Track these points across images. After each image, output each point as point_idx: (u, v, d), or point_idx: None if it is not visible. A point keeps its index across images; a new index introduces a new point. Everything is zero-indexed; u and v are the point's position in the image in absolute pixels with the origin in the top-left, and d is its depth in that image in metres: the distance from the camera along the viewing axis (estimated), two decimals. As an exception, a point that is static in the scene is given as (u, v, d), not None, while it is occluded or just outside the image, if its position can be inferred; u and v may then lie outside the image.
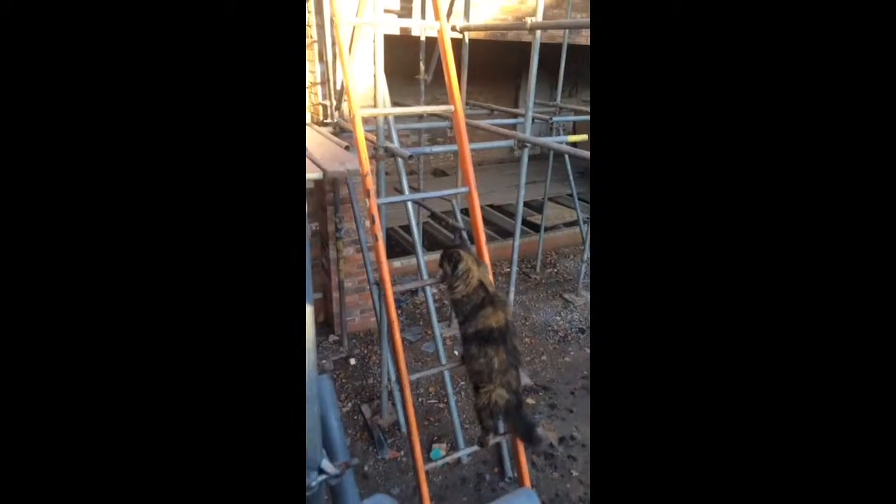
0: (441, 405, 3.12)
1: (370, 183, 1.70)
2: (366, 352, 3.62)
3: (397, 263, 4.43)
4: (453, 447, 2.79)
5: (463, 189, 1.94)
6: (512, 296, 3.15)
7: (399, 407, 2.94)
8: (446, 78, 1.83)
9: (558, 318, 4.07)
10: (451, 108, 1.87)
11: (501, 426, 1.84)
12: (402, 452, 2.79)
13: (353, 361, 3.51)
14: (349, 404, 3.13)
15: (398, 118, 3.18)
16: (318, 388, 0.92)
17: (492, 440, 1.84)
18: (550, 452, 2.77)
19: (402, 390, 1.71)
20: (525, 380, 3.34)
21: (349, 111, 1.76)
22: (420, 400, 3.17)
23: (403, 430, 2.91)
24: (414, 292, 4.15)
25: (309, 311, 0.85)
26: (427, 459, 2.74)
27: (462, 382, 3.33)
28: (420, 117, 3.71)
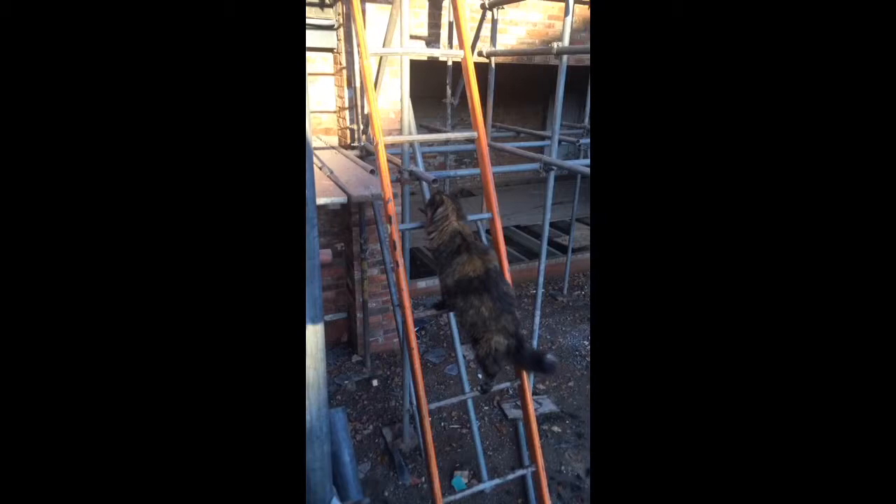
0: (464, 430, 3.06)
1: (392, 209, 1.71)
2: (389, 373, 3.60)
3: (422, 284, 4.44)
4: (476, 475, 2.72)
5: (486, 215, 1.92)
6: (538, 319, 3.09)
7: (420, 433, 2.90)
8: (470, 106, 1.84)
9: (586, 342, 3.96)
10: (475, 134, 1.87)
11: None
12: (423, 479, 2.74)
13: (375, 383, 3.50)
14: (370, 427, 3.11)
15: (425, 141, 3.21)
16: (331, 423, 0.90)
17: (494, 386, 1.80)
18: (577, 485, 2.66)
19: (421, 422, 1.69)
20: (551, 406, 3.24)
21: (374, 138, 1.79)
22: (442, 425, 3.12)
23: (424, 456, 2.87)
24: (438, 314, 4.13)
25: (319, 343, 0.84)
26: (448, 488, 2.68)
27: (486, 407, 3.26)
28: (446, 141, 3.74)
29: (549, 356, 1.63)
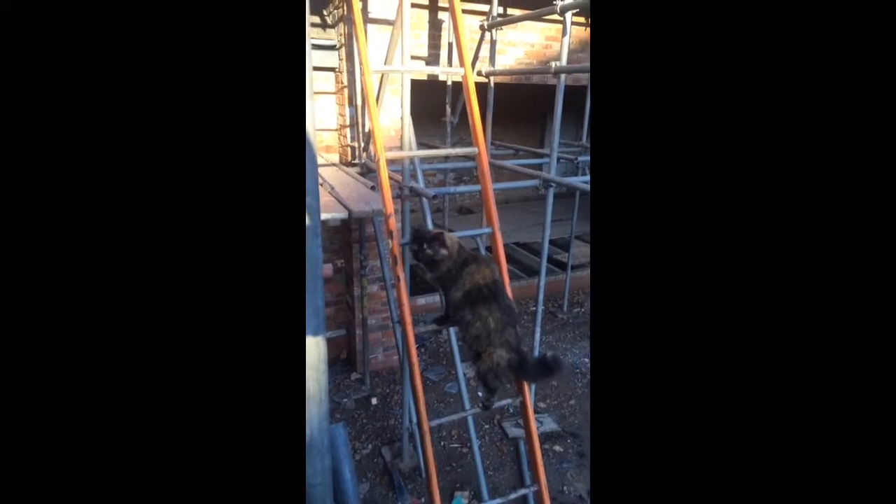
0: (464, 450, 3.01)
1: (393, 224, 1.72)
2: (388, 391, 3.56)
3: (421, 300, 4.42)
4: (476, 495, 2.67)
5: (486, 230, 1.93)
6: (538, 336, 3.07)
7: (420, 452, 2.85)
8: (471, 122, 1.87)
9: (587, 360, 3.92)
10: (475, 150, 1.89)
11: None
12: (423, 500, 2.68)
13: (374, 401, 3.45)
14: (369, 446, 3.05)
15: (425, 158, 3.24)
16: (332, 438, 0.89)
17: (495, 403, 1.81)
18: (579, 506, 2.61)
19: (422, 439, 1.66)
20: (552, 425, 3.20)
21: (375, 153, 1.81)
22: (442, 444, 3.07)
23: (425, 475, 2.81)
24: (438, 331, 4.10)
25: (322, 355, 0.83)
26: (448, 509, 2.62)
27: (486, 426, 3.21)
28: (446, 158, 3.78)
29: (549, 354, 1.63)
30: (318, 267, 0.77)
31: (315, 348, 0.78)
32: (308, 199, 0.76)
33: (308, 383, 0.79)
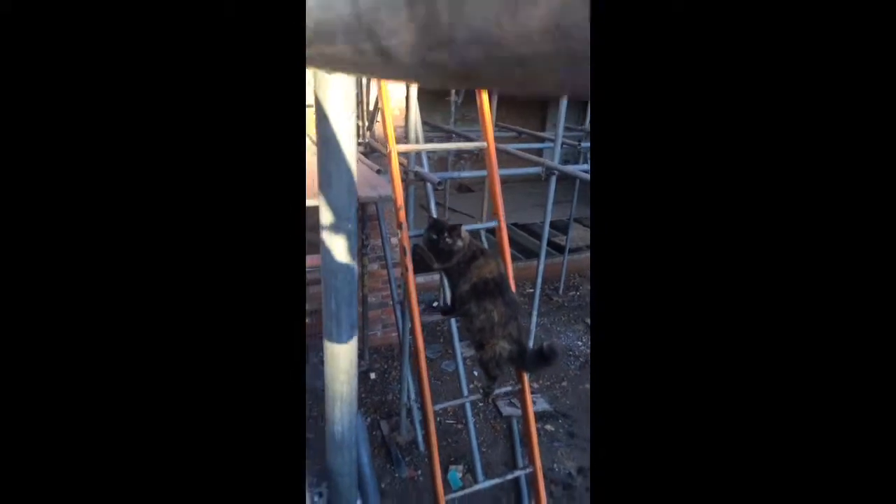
0: (459, 426, 3.13)
1: (403, 216, 1.75)
2: (386, 367, 3.66)
3: (420, 279, 4.48)
4: (470, 470, 2.80)
5: (492, 223, 1.97)
6: (534, 318, 3.16)
7: (418, 425, 2.97)
8: (480, 116, 1.88)
9: (580, 343, 4.04)
10: (485, 145, 1.91)
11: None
12: (420, 472, 2.81)
13: (373, 376, 3.56)
14: (367, 419, 3.17)
15: (426, 134, 3.24)
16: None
17: (495, 390, 1.89)
18: (569, 483, 2.76)
19: (424, 421, 1.74)
20: (544, 405, 3.33)
21: (382, 133, 1.82)
22: (439, 420, 3.19)
23: (422, 448, 2.94)
24: (434, 309, 4.19)
25: (353, 360, 0.88)
26: (444, 483, 2.76)
27: (480, 404, 3.34)
28: (449, 137, 3.77)
29: (546, 344, 1.67)
30: (354, 281, 0.80)
31: (348, 355, 0.83)
32: (345, 224, 0.79)
33: (341, 386, 0.84)
